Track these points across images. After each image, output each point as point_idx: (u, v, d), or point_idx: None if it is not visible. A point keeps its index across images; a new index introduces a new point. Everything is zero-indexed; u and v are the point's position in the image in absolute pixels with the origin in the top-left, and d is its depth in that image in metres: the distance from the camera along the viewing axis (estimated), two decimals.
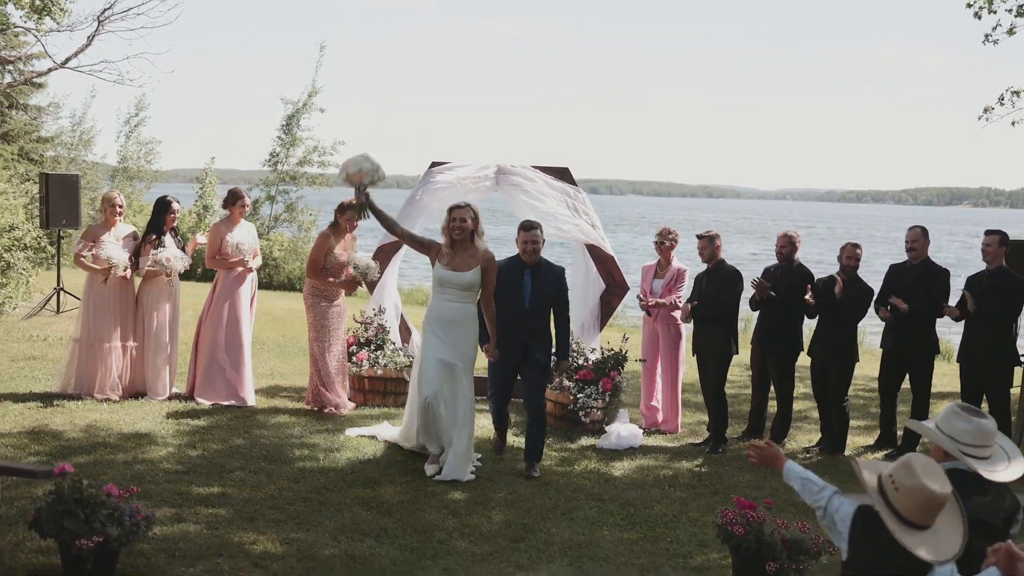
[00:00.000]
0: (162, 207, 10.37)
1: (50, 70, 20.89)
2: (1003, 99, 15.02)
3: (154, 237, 10.08)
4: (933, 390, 9.57)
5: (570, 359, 9.07)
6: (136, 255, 9.99)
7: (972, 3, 15.72)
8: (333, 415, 9.74)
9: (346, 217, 9.96)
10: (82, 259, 9.86)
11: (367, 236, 11.80)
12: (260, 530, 6.34)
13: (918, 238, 9.40)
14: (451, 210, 8.27)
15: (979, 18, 15.70)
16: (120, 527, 5.26)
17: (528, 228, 8.51)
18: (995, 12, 15.59)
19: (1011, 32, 14.93)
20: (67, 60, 19.89)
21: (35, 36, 18.79)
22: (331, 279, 9.91)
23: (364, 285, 10.41)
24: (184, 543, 6.00)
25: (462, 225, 8.12)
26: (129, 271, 9.91)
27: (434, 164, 10.82)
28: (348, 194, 9.27)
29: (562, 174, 10.75)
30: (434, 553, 6.09)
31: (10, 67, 31.64)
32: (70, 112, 39.01)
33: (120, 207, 10.22)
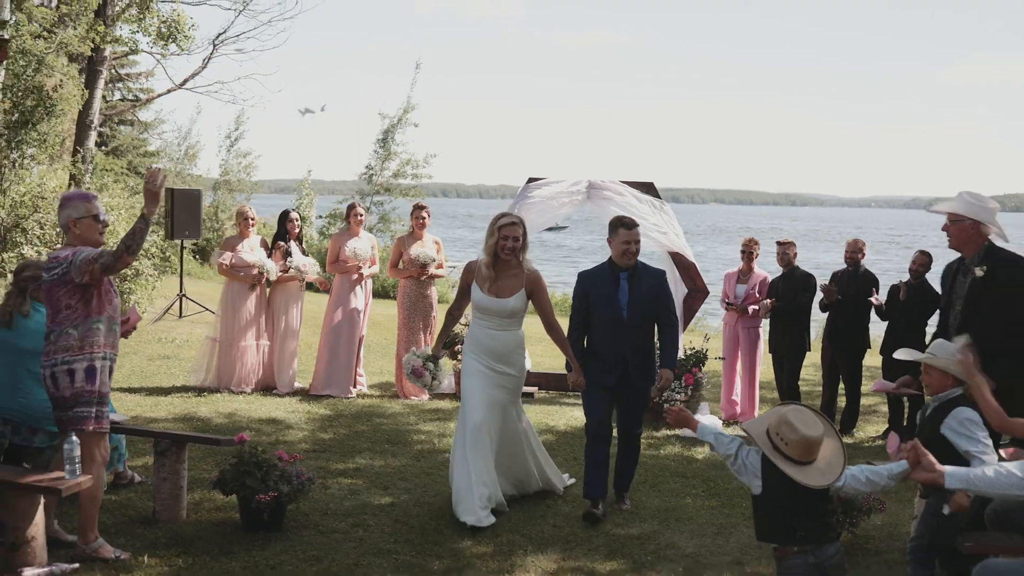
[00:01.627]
0: (283, 217, 11.72)
1: (169, 90, 22.45)
2: None
3: (282, 244, 11.33)
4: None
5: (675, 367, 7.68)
6: None
7: None
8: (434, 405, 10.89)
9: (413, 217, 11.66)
10: (226, 267, 11.11)
11: (451, 248, 12.83)
12: (394, 495, 7.46)
13: None
14: (501, 227, 7.21)
15: None
16: (289, 485, 6.40)
17: (629, 226, 7.30)
18: None
19: None
20: (185, 81, 21.49)
21: (157, 60, 20.35)
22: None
23: (426, 272, 11.37)
24: (333, 504, 7.14)
25: (514, 245, 7.17)
26: (274, 277, 11.17)
27: (531, 180, 11.81)
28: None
29: (647, 188, 11.71)
30: (543, 514, 7.13)
31: (119, 84, 33.56)
32: (175, 127, 40.99)
33: (252, 219, 11.49)
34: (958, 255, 6.52)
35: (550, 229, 54.70)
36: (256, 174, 35.53)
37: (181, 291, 17.26)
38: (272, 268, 11.11)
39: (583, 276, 7.55)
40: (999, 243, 6.39)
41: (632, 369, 7.25)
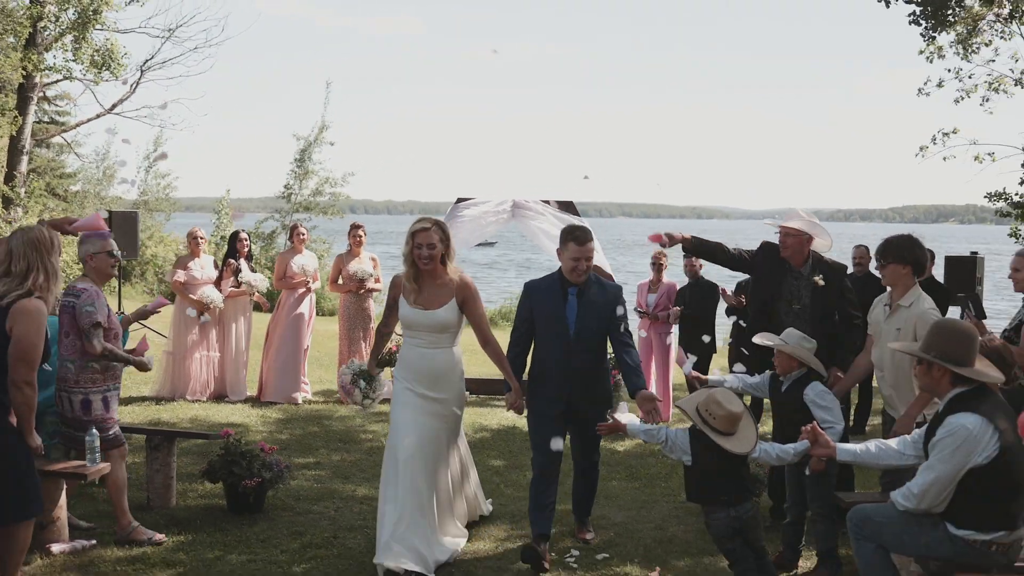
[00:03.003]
0: (232, 237, 12.63)
1: (99, 115, 23.01)
2: (935, 139, 17.25)
3: (232, 262, 12.19)
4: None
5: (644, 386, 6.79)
6: (219, 279, 12.09)
7: (923, 50, 17.87)
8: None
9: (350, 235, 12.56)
10: (179, 284, 11.93)
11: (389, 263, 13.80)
12: (355, 483, 8.43)
13: (864, 255, 11.52)
14: (414, 233, 6.44)
15: (931, 62, 17.85)
16: (271, 472, 7.32)
17: (580, 240, 6.57)
18: (943, 57, 17.74)
19: (940, 85, 17.14)
20: (114, 106, 22.13)
21: (87, 86, 20.98)
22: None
23: (364, 287, 12.35)
24: (303, 491, 8.08)
25: (430, 253, 6.40)
26: (222, 306, 12.00)
27: (459, 200, 12.81)
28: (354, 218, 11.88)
29: (567, 206, 12.80)
30: (488, 494, 8.12)
31: (37, 107, 33.71)
32: (93, 150, 41.16)
33: (202, 239, 12.36)
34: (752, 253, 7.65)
35: (479, 245, 55.63)
36: (179, 193, 35.94)
37: (120, 309, 17.87)
38: (218, 299, 11.94)
39: (529, 288, 6.88)
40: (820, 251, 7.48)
41: (579, 393, 6.66)
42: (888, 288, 6.73)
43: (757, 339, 6.65)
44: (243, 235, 12.59)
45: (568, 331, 6.60)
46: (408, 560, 6.15)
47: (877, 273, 7.14)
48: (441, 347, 6.61)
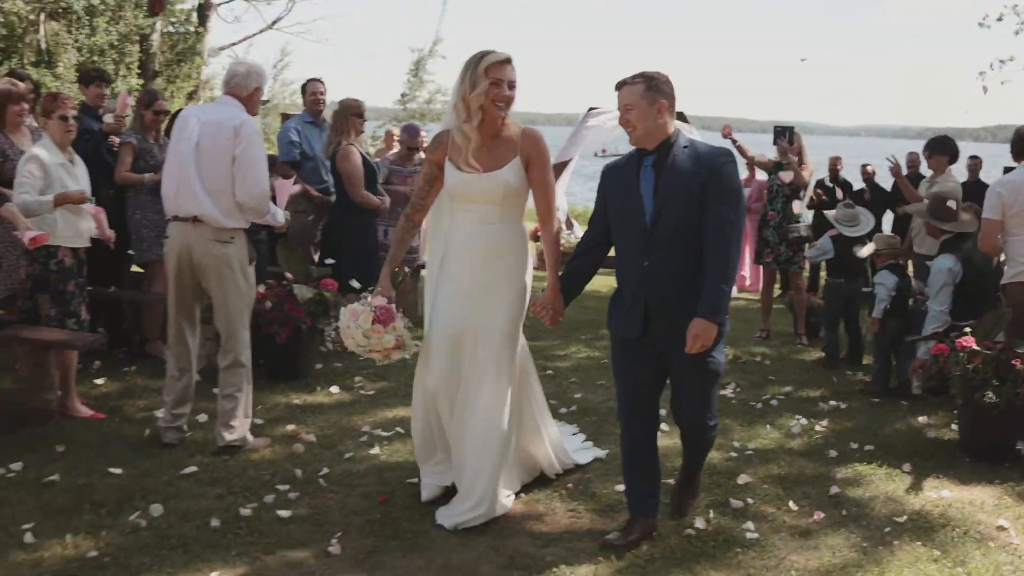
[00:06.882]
0: None
1: (261, 31, 26.20)
2: (992, 66, 18.02)
3: None
4: None
5: (721, 320, 4.35)
6: None
7: (983, 21, 18.55)
8: None
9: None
10: None
11: None
12: None
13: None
14: (489, 66, 4.68)
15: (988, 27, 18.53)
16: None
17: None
18: (1001, 19, 18.35)
19: (1000, 19, 18.16)
20: (274, 22, 25.23)
21: (253, 5, 24.16)
22: None
23: None
24: None
25: (512, 94, 4.74)
26: None
27: (591, 109, 14.34)
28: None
29: (679, 116, 15.30)
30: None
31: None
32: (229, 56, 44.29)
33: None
34: None
35: (607, 155, 55.58)
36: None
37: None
38: None
39: (606, 171, 4.80)
40: None
41: (660, 309, 4.49)
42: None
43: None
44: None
45: (643, 217, 4.49)
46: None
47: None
48: (495, 222, 4.88)
